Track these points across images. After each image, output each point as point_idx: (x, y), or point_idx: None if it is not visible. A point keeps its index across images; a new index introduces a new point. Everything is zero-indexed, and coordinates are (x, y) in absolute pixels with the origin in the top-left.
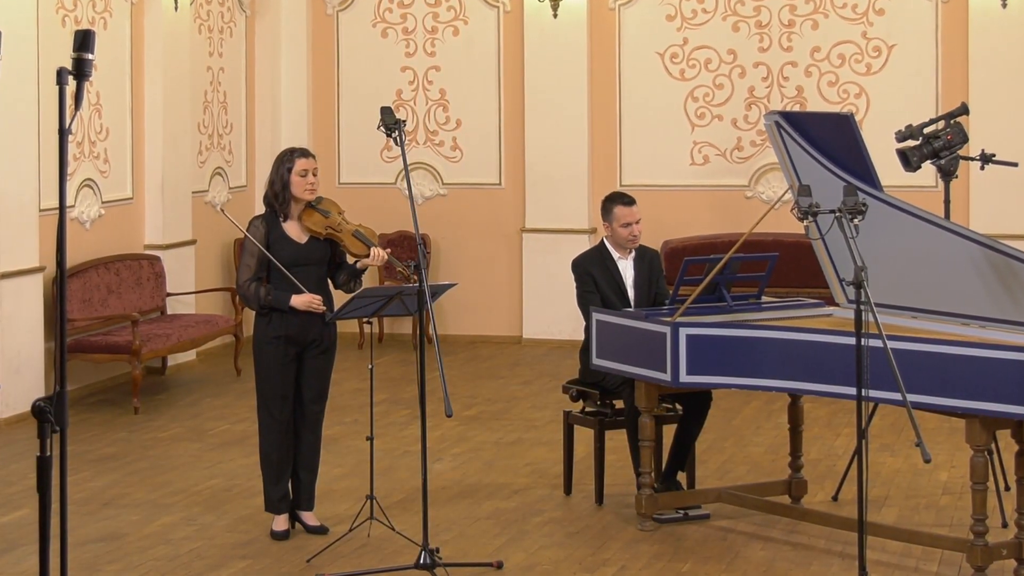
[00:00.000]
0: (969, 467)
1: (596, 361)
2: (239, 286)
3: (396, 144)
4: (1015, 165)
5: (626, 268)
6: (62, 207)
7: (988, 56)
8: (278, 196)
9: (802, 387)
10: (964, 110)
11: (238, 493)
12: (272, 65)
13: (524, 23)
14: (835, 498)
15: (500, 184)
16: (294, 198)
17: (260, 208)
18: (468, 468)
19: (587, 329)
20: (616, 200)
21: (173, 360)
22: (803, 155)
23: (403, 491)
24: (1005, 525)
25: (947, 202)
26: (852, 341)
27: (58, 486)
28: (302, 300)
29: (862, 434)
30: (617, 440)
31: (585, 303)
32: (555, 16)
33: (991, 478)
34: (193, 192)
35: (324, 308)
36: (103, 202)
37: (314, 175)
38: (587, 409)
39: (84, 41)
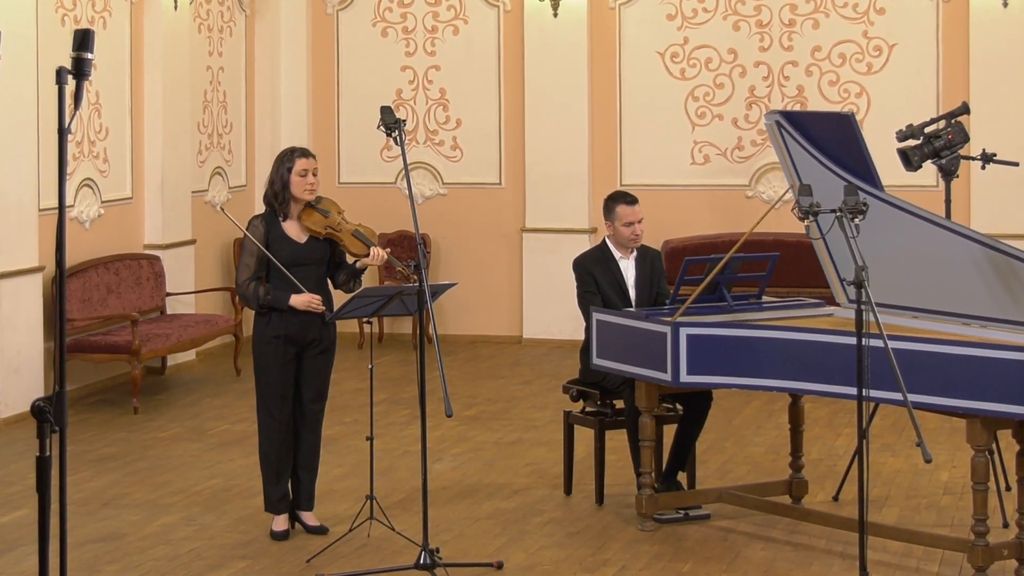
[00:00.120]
0: (970, 467)
1: (596, 361)
2: (238, 286)
3: (396, 144)
4: (1016, 165)
5: (628, 268)
6: (61, 207)
7: (989, 55)
8: (278, 196)
9: (803, 387)
10: (965, 109)
11: (238, 493)
12: (272, 64)
13: (524, 22)
14: (836, 498)
15: (500, 184)
16: (294, 198)
17: (260, 207)
18: (468, 468)
19: (587, 329)
20: (619, 199)
21: (173, 360)
22: (804, 155)
23: (403, 491)
24: (1006, 525)
25: (948, 202)
26: (853, 341)
27: (58, 486)
28: (301, 300)
29: (863, 434)
30: (617, 440)
31: (585, 303)
32: (555, 15)
33: (992, 478)
34: (193, 192)
35: (323, 308)
36: (102, 202)
37: (314, 175)
38: (587, 409)
39: (83, 40)
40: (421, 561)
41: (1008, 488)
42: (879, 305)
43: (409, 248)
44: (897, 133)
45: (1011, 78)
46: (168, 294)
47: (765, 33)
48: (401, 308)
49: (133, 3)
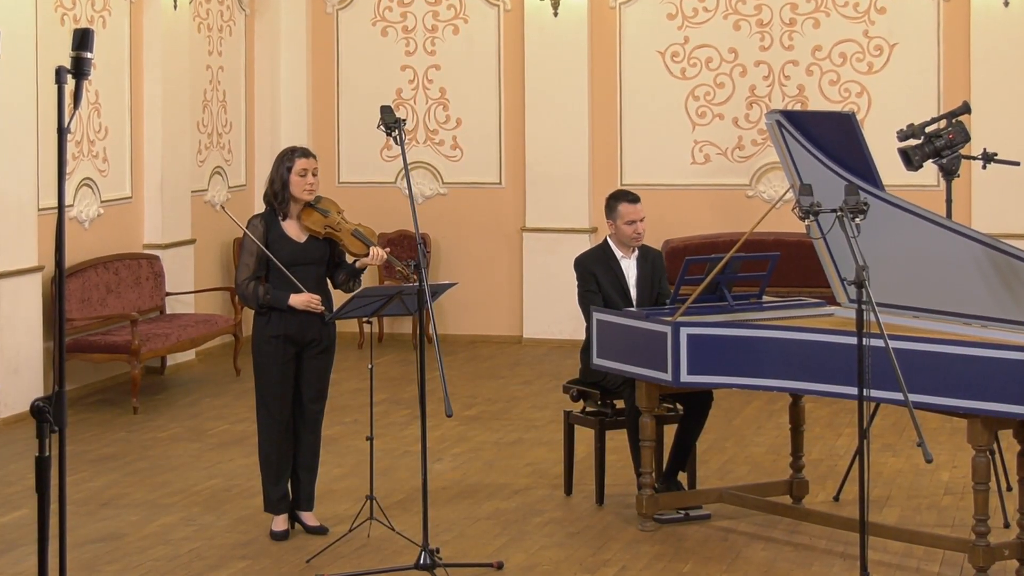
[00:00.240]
0: (971, 467)
1: (597, 361)
2: (238, 285)
3: (396, 143)
4: (1017, 164)
5: (629, 267)
6: (61, 206)
7: (990, 55)
8: (277, 195)
9: (803, 387)
10: (966, 109)
11: (237, 493)
12: (271, 64)
13: (524, 22)
14: (836, 498)
15: (500, 183)
16: (293, 198)
17: (260, 207)
18: (468, 468)
19: (588, 329)
20: (620, 197)
21: (172, 360)
22: (804, 154)
23: (403, 491)
24: (1007, 525)
25: (949, 201)
26: (853, 341)
27: (57, 486)
28: (301, 299)
29: (863, 434)
30: (618, 440)
31: (586, 302)
32: (555, 15)
33: (993, 478)
34: (192, 191)
35: (323, 308)
36: (102, 201)
37: (314, 175)
38: (588, 409)
39: (83, 40)
40: (421, 561)
41: (1009, 488)
42: (880, 305)
43: (409, 248)
44: (898, 132)
45: (1012, 77)
46: (168, 294)
47: (766, 32)
48: (401, 308)
49: (132, 2)
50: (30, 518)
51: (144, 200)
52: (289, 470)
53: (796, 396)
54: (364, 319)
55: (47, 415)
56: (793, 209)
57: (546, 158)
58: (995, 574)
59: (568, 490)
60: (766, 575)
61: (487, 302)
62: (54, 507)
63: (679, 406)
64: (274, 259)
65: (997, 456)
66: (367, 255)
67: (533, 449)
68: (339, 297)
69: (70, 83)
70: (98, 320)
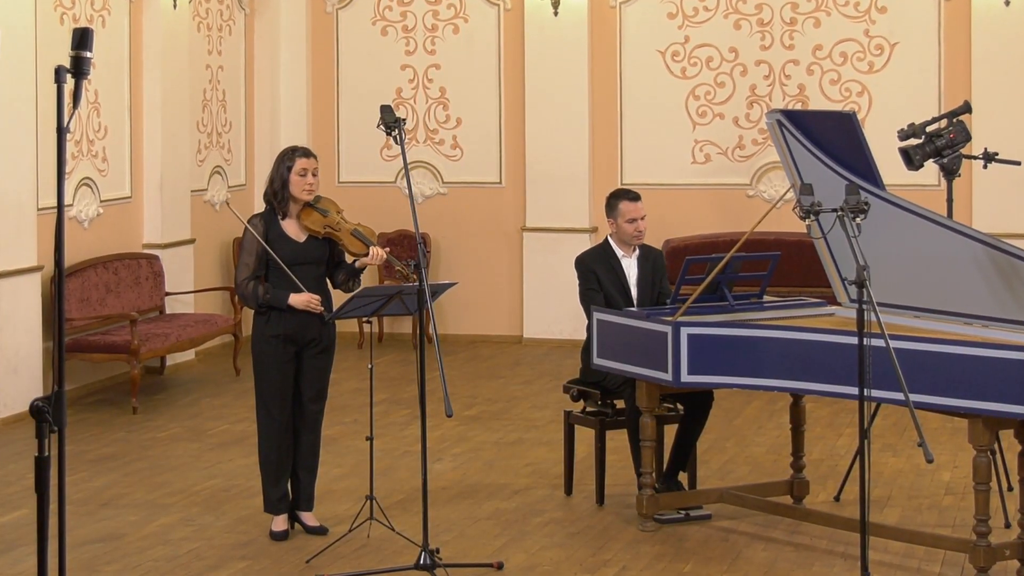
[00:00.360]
0: (972, 467)
1: (597, 361)
2: (238, 285)
3: (396, 143)
4: (1018, 164)
5: (630, 266)
6: (60, 206)
7: (991, 54)
8: (277, 194)
9: (804, 387)
10: (967, 108)
11: (237, 493)
12: (271, 63)
13: (525, 21)
14: (837, 498)
15: (500, 183)
16: (292, 197)
17: (259, 207)
18: (468, 468)
19: (588, 328)
20: (621, 196)
21: (172, 360)
22: (805, 154)
23: (403, 491)
24: (1008, 526)
25: (950, 201)
26: (854, 341)
27: (56, 486)
28: (301, 299)
29: (864, 434)
30: (618, 440)
31: (588, 300)
32: (556, 14)
33: (994, 478)
34: (192, 191)
35: (322, 309)
36: (101, 201)
37: (314, 175)
38: (588, 409)
39: (82, 39)
40: (421, 561)
41: (1010, 488)
42: (880, 304)
43: (409, 247)
44: (899, 132)
45: (1013, 77)
46: (167, 294)
47: (766, 32)
48: (401, 308)
49: (132, 2)
50: (29, 518)
51: (143, 200)
52: (289, 470)
53: (797, 396)
54: (364, 319)
55: (46, 415)
56: (794, 209)
57: (546, 157)
58: (996, 574)
59: (568, 490)
60: (767, 575)
61: (487, 302)
62: (53, 507)
63: (679, 406)
64: (275, 256)
65: (998, 456)
66: (367, 255)
67: (533, 449)
68: (339, 297)
69: (69, 82)
70: (97, 320)
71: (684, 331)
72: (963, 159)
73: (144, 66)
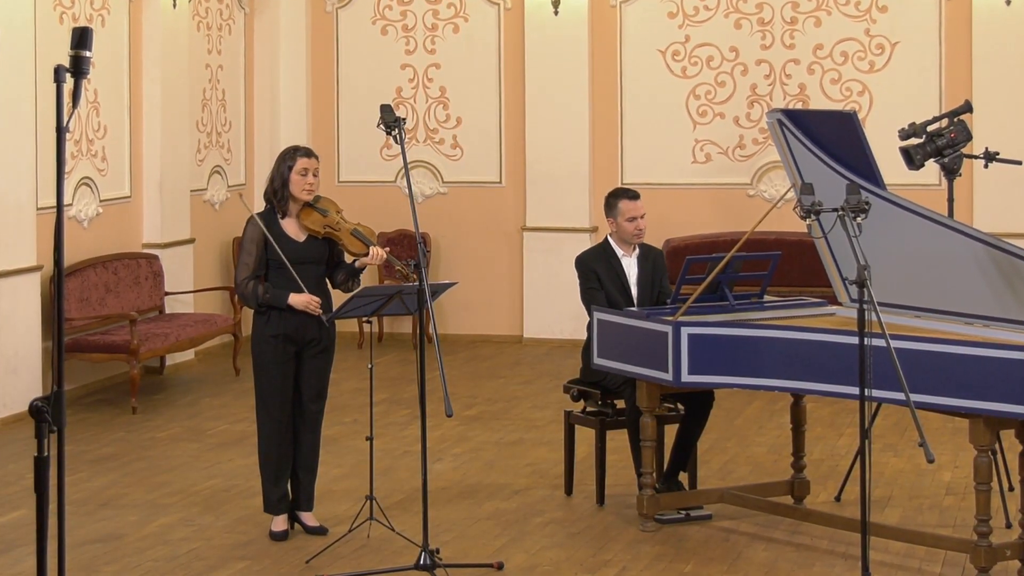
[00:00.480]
0: (973, 467)
1: (597, 360)
2: (237, 284)
3: (396, 142)
4: (1019, 163)
5: (630, 266)
6: (60, 205)
7: (992, 53)
8: (277, 193)
9: (805, 387)
10: (968, 108)
11: (237, 493)
12: (271, 63)
13: (525, 20)
14: (838, 499)
15: (500, 182)
16: (292, 197)
17: (259, 206)
18: (468, 468)
19: (589, 328)
20: (620, 195)
21: (171, 360)
22: (806, 153)
23: (403, 491)
24: (1009, 526)
25: (951, 200)
26: (855, 340)
27: (56, 486)
28: (300, 300)
29: (865, 434)
30: (618, 440)
31: (590, 299)
32: (556, 13)
33: (995, 478)
34: (191, 190)
35: (320, 312)
36: (101, 200)
37: (314, 175)
38: (588, 409)
39: (82, 38)
40: (421, 562)
41: (1011, 488)
42: (881, 304)
43: (409, 247)
44: (899, 131)
45: (1014, 76)
46: (167, 293)
47: (767, 31)
48: (401, 307)
49: (132, 1)
50: (29, 518)
51: (143, 199)
52: (289, 470)
53: (797, 396)
54: (364, 319)
55: (46, 415)
56: (794, 208)
57: (546, 157)
58: (997, 574)
59: (569, 490)
60: (767, 575)
61: (487, 302)
62: (53, 507)
63: (680, 406)
64: (280, 253)
65: (999, 456)
66: (367, 254)
67: (533, 449)
68: (338, 297)
69: (69, 82)
70: (97, 320)
71: (685, 331)
72: (964, 158)
73: (144, 65)
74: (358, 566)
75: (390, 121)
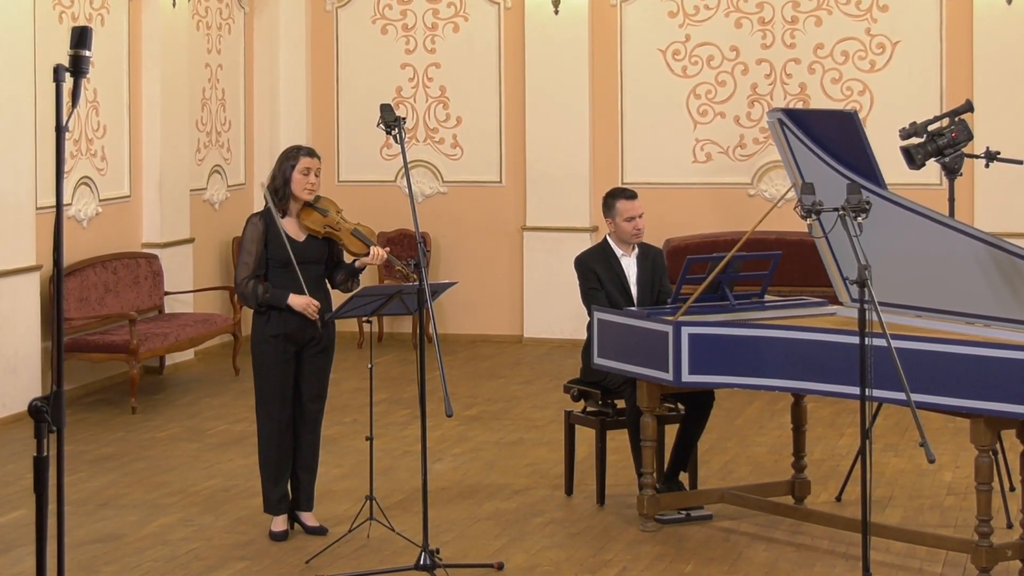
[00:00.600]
0: (974, 467)
1: (597, 360)
2: (237, 284)
3: (396, 142)
4: (1020, 163)
5: (629, 265)
6: (59, 205)
7: (993, 53)
8: (278, 191)
9: (805, 387)
10: (969, 107)
11: (237, 493)
12: (271, 62)
13: (525, 19)
14: (839, 499)
15: (501, 182)
16: (293, 196)
17: (258, 205)
18: (468, 468)
19: (589, 328)
20: (618, 195)
21: (171, 359)
22: (806, 153)
23: (403, 491)
24: (1010, 526)
25: (951, 200)
26: (856, 340)
27: (55, 486)
28: (300, 302)
29: (866, 434)
30: (619, 440)
31: (590, 300)
32: (556, 12)
33: (996, 478)
34: (191, 190)
35: (317, 316)
36: (100, 200)
37: (316, 175)
38: (588, 409)
39: (81, 38)
40: (421, 562)
41: (1012, 488)
42: (882, 304)
43: (409, 247)
44: (900, 131)
45: (1015, 75)
46: (166, 293)
47: (767, 30)
48: (401, 307)
49: (131, 0)
50: (28, 518)
51: (143, 199)
52: (289, 470)
53: (798, 396)
54: (364, 318)
55: (45, 415)
56: (795, 208)
57: (547, 156)
58: (998, 575)
59: (569, 490)
60: (768, 575)
61: (487, 301)
62: (52, 507)
63: (680, 406)
64: (289, 249)
65: (1000, 456)
66: (367, 254)
67: (534, 449)
68: (338, 297)
69: (68, 81)
70: (96, 319)
71: (685, 331)
72: (965, 158)
73: (143, 65)
74: (358, 566)
75: (390, 121)
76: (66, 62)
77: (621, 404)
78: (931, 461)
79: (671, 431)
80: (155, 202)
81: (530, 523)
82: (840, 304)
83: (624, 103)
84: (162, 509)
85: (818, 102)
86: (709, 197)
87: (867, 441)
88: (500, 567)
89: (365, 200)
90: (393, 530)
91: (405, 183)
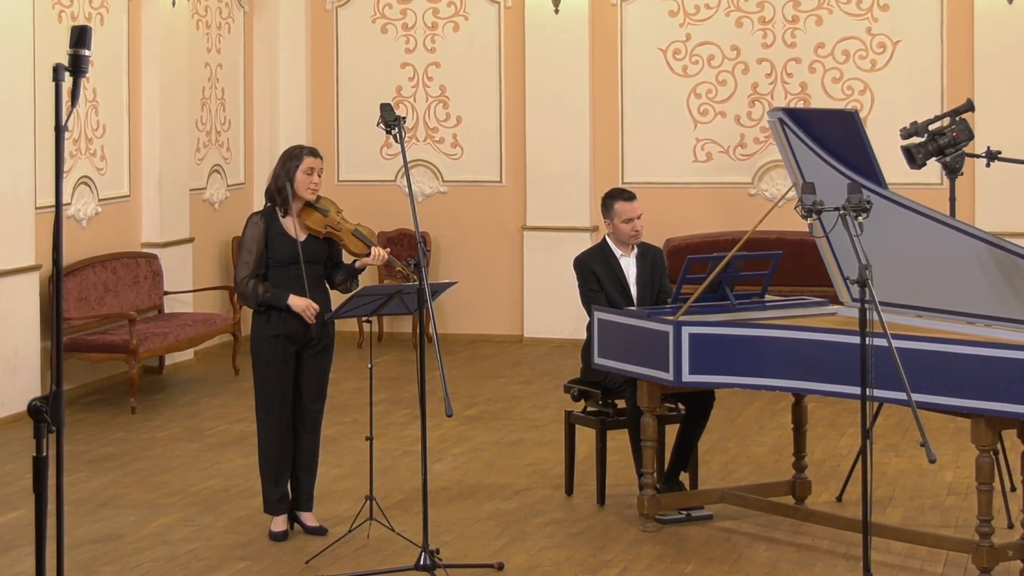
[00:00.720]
0: (975, 467)
1: (598, 360)
2: (237, 283)
3: (396, 141)
4: (1021, 162)
5: (629, 265)
6: (58, 205)
7: (994, 52)
8: (281, 191)
9: (806, 387)
10: (970, 107)
11: (236, 494)
12: (271, 61)
13: (525, 19)
14: (839, 499)
15: (501, 181)
16: (296, 195)
17: (258, 204)
18: (469, 468)
19: (589, 328)
20: (616, 196)
21: (171, 359)
22: (807, 152)
23: (403, 491)
24: (1011, 526)
25: (952, 200)
26: (856, 340)
27: (54, 486)
28: (300, 303)
29: (866, 434)
30: (619, 440)
31: (590, 301)
32: (556, 12)
33: (997, 478)
34: (191, 190)
35: (315, 321)
36: (100, 200)
37: (319, 175)
38: (589, 409)
39: (81, 37)
40: (421, 562)
41: (1013, 489)
42: (883, 304)
43: (409, 246)
44: (901, 130)
45: (1016, 75)
46: (166, 293)
47: (768, 30)
48: (401, 307)
49: None
50: (27, 518)
51: (142, 198)
52: (289, 470)
53: (799, 396)
54: (364, 318)
55: (44, 415)
56: (796, 207)
57: (547, 156)
58: (999, 575)
59: (569, 490)
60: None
61: (487, 301)
62: (51, 507)
63: (681, 406)
64: (299, 248)
65: (1001, 456)
66: (368, 255)
67: (534, 449)
68: (337, 297)
69: (68, 81)
70: (96, 319)
71: (685, 330)
72: (966, 157)
73: (143, 64)
74: (358, 566)
75: (390, 120)
76: (65, 61)
77: (621, 404)
78: (932, 461)
79: (671, 431)
80: (155, 202)
81: (530, 523)
82: (841, 304)
83: (624, 102)
84: (162, 509)
85: (819, 101)
86: (709, 197)
87: (868, 441)
88: (500, 567)
89: (365, 200)
90: (393, 530)
91: (405, 183)
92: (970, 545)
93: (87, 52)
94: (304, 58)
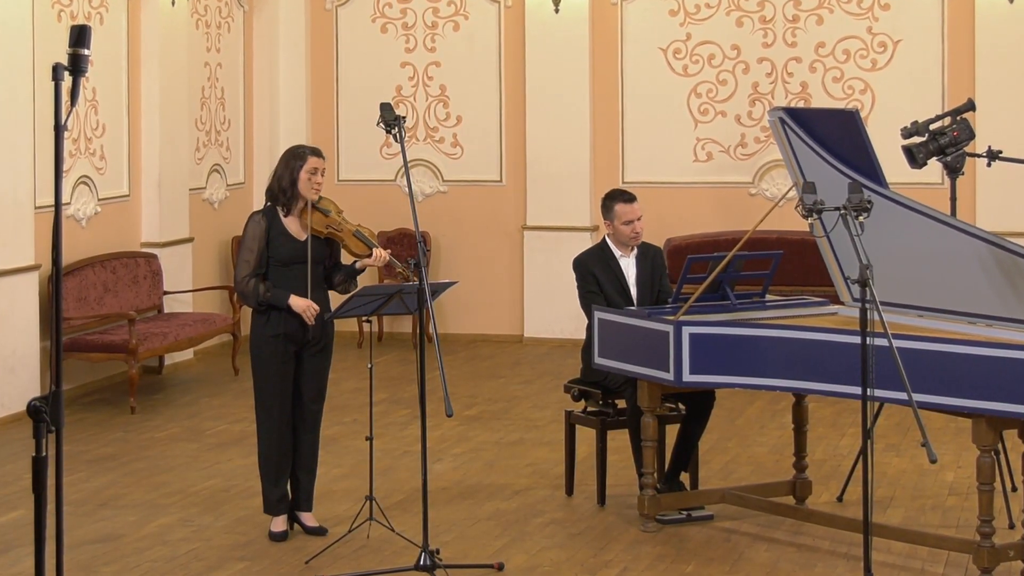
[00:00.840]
0: (976, 467)
1: (598, 360)
2: (237, 282)
3: (396, 141)
4: (1022, 162)
5: (628, 266)
6: (58, 204)
7: (995, 52)
8: (284, 191)
9: (806, 387)
10: (971, 106)
11: (236, 494)
12: (270, 61)
13: (525, 18)
14: (840, 499)
15: (501, 181)
16: (299, 196)
17: (258, 205)
18: (469, 468)
19: (589, 328)
20: (616, 197)
21: (170, 359)
22: (808, 152)
23: (403, 492)
24: (1012, 526)
25: (953, 199)
26: (857, 340)
27: (54, 487)
28: (300, 304)
29: (867, 434)
30: (619, 440)
31: (588, 302)
32: (556, 11)
33: (998, 478)
34: (190, 189)
35: (314, 323)
36: (99, 199)
37: (322, 175)
38: (589, 409)
39: (80, 36)
40: (421, 562)
41: (1014, 489)
42: (883, 304)
43: (409, 246)
44: (902, 130)
45: (1017, 74)
46: (165, 292)
47: (768, 29)
48: (401, 307)
49: None
50: (27, 519)
51: (142, 198)
52: (288, 470)
53: (799, 396)
54: (364, 318)
55: (44, 415)
56: (796, 207)
57: (547, 156)
58: (1000, 575)
59: (569, 490)
60: None
61: (487, 301)
62: (51, 508)
63: (681, 406)
64: (308, 247)
65: (1002, 456)
66: (369, 256)
67: (534, 449)
68: (336, 297)
69: (67, 80)
70: (95, 319)
71: (686, 330)
72: (967, 157)
73: (142, 64)
74: (358, 566)
75: (390, 120)
76: (65, 61)
77: (622, 404)
78: (933, 461)
79: (672, 431)
80: (154, 201)
81: (530, 523)
82: (841, 304)
83: (625, 102)
84: (161, 509)
85: (819, 101)
86: (710, 196)
87: (868, 441)
88: (500, 567)
89: (365, 199)
90: (393, 530)
91: (405, 182)
92: (971, 545)
93: (86, 51)
94: (304, 57)
